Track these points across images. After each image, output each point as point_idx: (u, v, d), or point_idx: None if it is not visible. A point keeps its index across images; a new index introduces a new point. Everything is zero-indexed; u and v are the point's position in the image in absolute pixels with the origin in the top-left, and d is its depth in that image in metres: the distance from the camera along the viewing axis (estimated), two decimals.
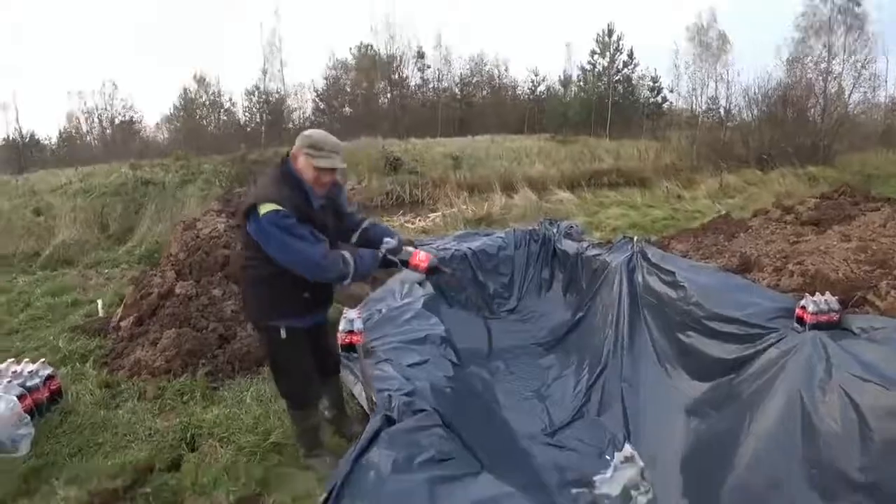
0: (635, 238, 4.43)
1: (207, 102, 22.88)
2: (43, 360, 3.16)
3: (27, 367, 3.05)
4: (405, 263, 2.39)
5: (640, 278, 4.02)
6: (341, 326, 3.11)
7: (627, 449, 3.29)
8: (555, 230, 5.86)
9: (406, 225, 8.25)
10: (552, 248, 5.72)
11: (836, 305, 2.51)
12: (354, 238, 2.51)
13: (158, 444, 2.51)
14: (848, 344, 2.36)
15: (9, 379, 2.91)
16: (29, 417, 2.79)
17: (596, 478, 3.13)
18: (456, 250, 5.75)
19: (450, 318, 5.18)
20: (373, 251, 2.34)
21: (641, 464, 3.12)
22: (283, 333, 2.24)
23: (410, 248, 2.52)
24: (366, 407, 2.44)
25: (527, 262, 5.77)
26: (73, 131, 22.26)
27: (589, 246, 5.07)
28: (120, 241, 8.09)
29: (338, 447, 2.25)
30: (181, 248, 4.19)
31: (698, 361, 3.16)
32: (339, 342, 3.03)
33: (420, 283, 4.37)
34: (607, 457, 3.28)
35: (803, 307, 2.53)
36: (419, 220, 8.28)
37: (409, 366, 2.95)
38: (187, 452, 2.45)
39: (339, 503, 1.77)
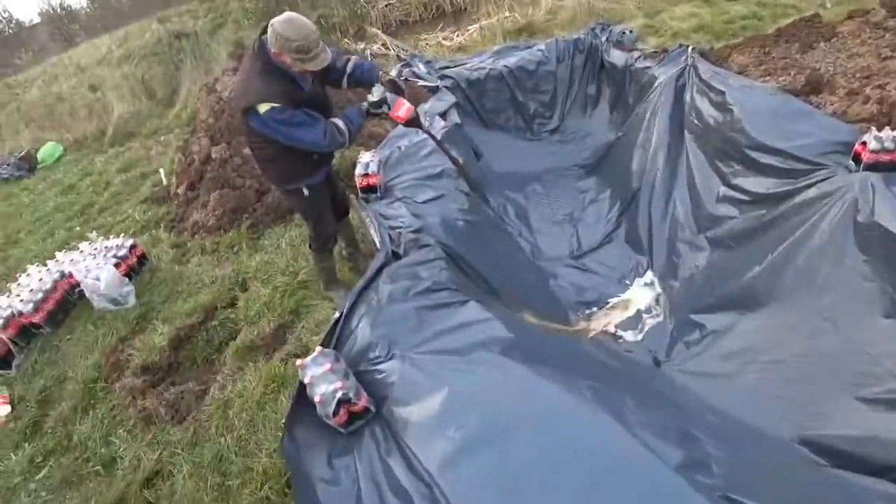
0: (689, 48, 3.90)
1: None
2: (123, 234, 3.92)
3: (115, 241, 3.85)
4: (387, 115, 2.51)
5: (688, 97, 3.68)
6: (357, 170, 3.37)
7: (649, 275, 3.51)
8: (604, 38, 5.28)
9: (443, 42, 7.75)
10: (600, 59, 5.24)
11: None
12: (344, 84, 2.63)
13: (219, 288, 3.26)
14: None
15: (104, 253, 3.73)
16: (127, 279, 3.65)
17: (611, 299, 3.45)
18: (491, 69, 5.50)
19: (488, 140, 5.26)
20: (357, 108, 2.53)
21: (659, 290, 3.35)
22: (305, 192, 2.62)
23: (394, 96, 2.59)
24: (377, 245, 2.84)
25: (570, 77, 5.42)
26: None
27: (640, 57, 4.59)
28: (169, 104, 8.68)
29: (351, 281, 2.74)
30: (209, 113, 4.52)
31: (733, 193, 3.06)
32: (357, 185, 3.35)
33: (442, 115, 4.38)
34: (627, 281, 3.55)
35: (864, 142, 2.21)
36: (457, 35, 7.71)
37: (422, 202, 3.20)
38: (239, 292, 3.17)
39: (345, 328, 2.25)
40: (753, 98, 3.01)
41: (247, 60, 2.34)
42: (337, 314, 2.29)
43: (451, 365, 1.91)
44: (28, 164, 8.06)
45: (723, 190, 3.18)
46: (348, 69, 2.59)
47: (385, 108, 2.54)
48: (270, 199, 3.81)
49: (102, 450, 2.52)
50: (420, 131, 2.74)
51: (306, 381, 1.84)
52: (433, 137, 2.93)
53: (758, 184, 2.82)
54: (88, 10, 21.29)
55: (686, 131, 3.68)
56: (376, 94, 2.52)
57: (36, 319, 3.50)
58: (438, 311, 2.20)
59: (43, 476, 2.52)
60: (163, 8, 14.92)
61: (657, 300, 3.37)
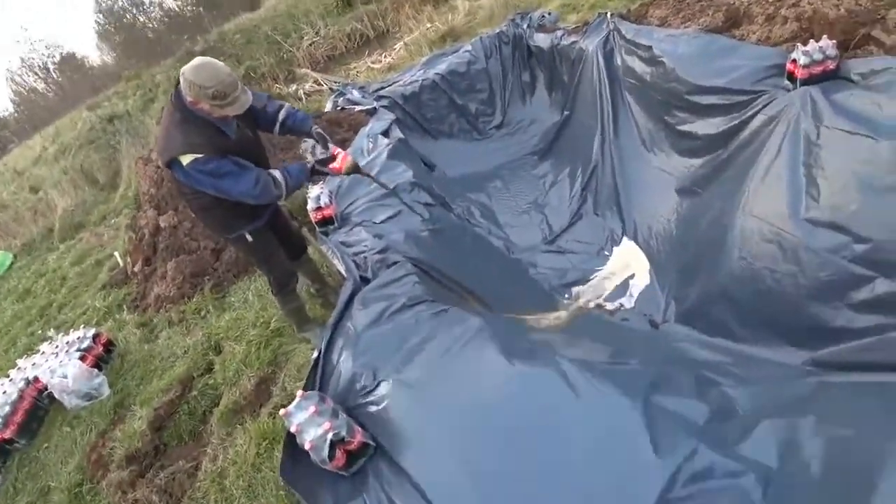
0: (608, 14, 3.95)
1: (126, 4, 20.82)
2: (84, 325, 3.71)
3: (76, 333, 3.64)
4: (328, 172, 2.47)
5: (618, 60, 3.71)
6: (309, 205, 3.27)
7: (625, 242, 3.47)
8: (526, 25, 5.34)
9: (372, 66, 7.76)
10: (526, 46, 5.29)
11: (832, 51, 2.14)
12: (276, 130, 2.55)
13: (192, 356, 3.08)
14: (842, 97, 2.08)
15: (66, 349, 3.51)
16: (97, 370, 3.43)
17: (594, 273, 3.40)
18: (424, 80, 5.49)
19: (437, 150, 5.23)
20: (301, 165, 2.43)
21: (640, 254, 3.31)
22: (248, 238, 2.49)
23: (333, 147, 2.56)
24: (344, 274, 2.73)
25: (503, 70, 5.45)
26: (23, 91, 21.64)
27: (563, 34, 4.63)
28: (113, 186, 8.43)
29: (325, 318, 2.62)
30: (150, 184, 4.36)
31: (685, 141, 3.05)
32: (313, 220, 3.24)
33: (384, 133, 4.32)
34: (606, 252, 3.50)
35: (793, 60, 2.21)
36: (384, 57, 7.72)
37: (380, 222, 3.11)
38: (214, 356, 3.01)
39: (327, 365, 2.12)
40: (680, 45, 3.03)
41: (165, 113, 2.23)
42: (316, 353, 2.16)
43: (443, 377, 1.80)
44: None
45: (675, 140, 3.18)
46: (280, 116, 2.51)
47: (328, 161, 2.49)
48: (228, 255, 3.67)
49: None
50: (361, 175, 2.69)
51: (293, 429, 1.70)
52: (371, 177, 2.88)
53: (706, 126, 2.83)
54: (16, 114, 20.91)
55: (625, 93, 3.70)
56: (320, 155, 2.49)
57: (7, 435, 3.25)
58: (420, 326, 2.08)
59: None
60: (91, 96, 14.71)
61: (641, 263, 3.33)
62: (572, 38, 4.41)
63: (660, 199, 3.30)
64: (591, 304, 3.23)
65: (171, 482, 2.44)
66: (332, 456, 1.66)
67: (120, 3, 21.13)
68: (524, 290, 3.37)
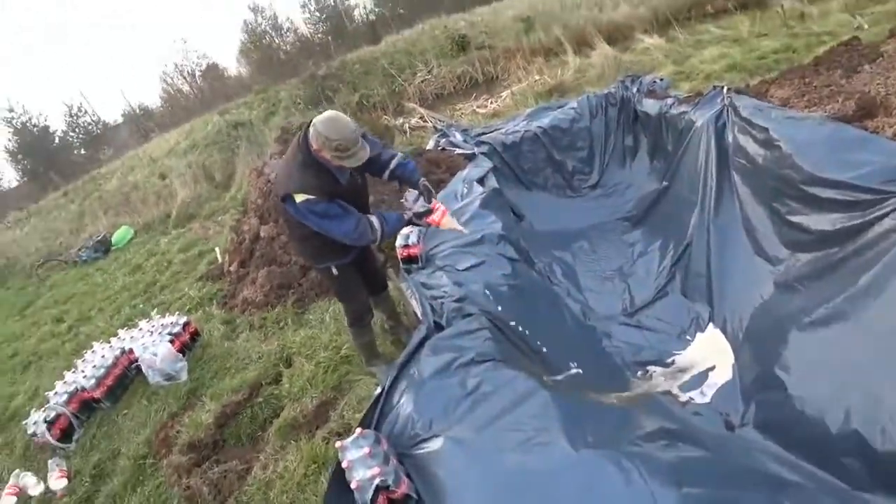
0: (725, 87, 3.82)
1: (267, 28, 23.36)
2: (179, 311, 4.09)
3: (170, 318, 4.02)
4: (425, 225, 2.70)
5: (730, 137, 3.54)
6: (398, 241, 3.40)
7: (711, 329, 3.24)
8: (635, 89, 5.28)
9: (477, 110, 8.04)
10: (633, 110, 5.22)
11: None
12: (385, 177, 2.75)
13: (265, 364, 3.27)
14: None
15: (160, 330, 3.89)
16: (181, 355, 3.75)
17: (672, 357, 3.19)
18: (526, 131, 5.57)
19: (529, 201, 5.24)
20: (399, 215, 2.65)
21: (725, 345, 3.07)
22: (334, 271, 2.66)
23: (435, 201, 2.73)
24: (420, 316, 2.78)
25: (606, 131, 5.40)
26: (171, 90, 24.76)
27: (674, 103, 4.52)
28: (225, 187, 9.34)
29: (394, 355, 2.68)
30: (258, 195, 4.78)
31: (794, 234, 2.82)
32: (399, 256, 3.36)
33: (480, 181, 4.42)
34: (688, 337, 3.28)
35: None
36: (490, 103, 7.98)
37: (463, 270, 3.15)
38: (284, 368, 3.16)
39: (387, 404, 2.16)
40: (802, 130, 2.83)
41: (290, 151, 2.48)
42: (378, 390, 2.21)
43: (497, 446, 1.76)
44: (104, 247, 8.75)
45: (783, 230, 2.96)
46: (392, 165, 2.70)
47: (426, 213, 2.68)
48: (314, 274, 3.90)
49: None
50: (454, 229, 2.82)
51: (345, 464, 1.74)
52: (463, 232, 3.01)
53: (821, 220, 2.59)
54: (162, 108, 23.91)
55: (734, 173, 3.51)
56: (418, 206, 2.69)
57: (97, 394, 3.62)
58: (483, 386, 2.07)
59: None
60: (223, 102, 16.52)
61: (723, 355, 3.07)
62: (682, 108, 4.29)
63: (756, 291, 3.03)
64: (662, 389, 3.03)
65: (222, 479, 2.57)
66: (374, 500, 1.68)
67: (262, 26, 23.73)
68: (595, 361, 3.23)
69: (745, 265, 3.19)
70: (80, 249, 8.91)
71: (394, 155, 2.71)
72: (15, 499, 3.03)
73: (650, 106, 4.91)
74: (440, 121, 7.56)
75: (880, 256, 2.14)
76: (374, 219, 2.48)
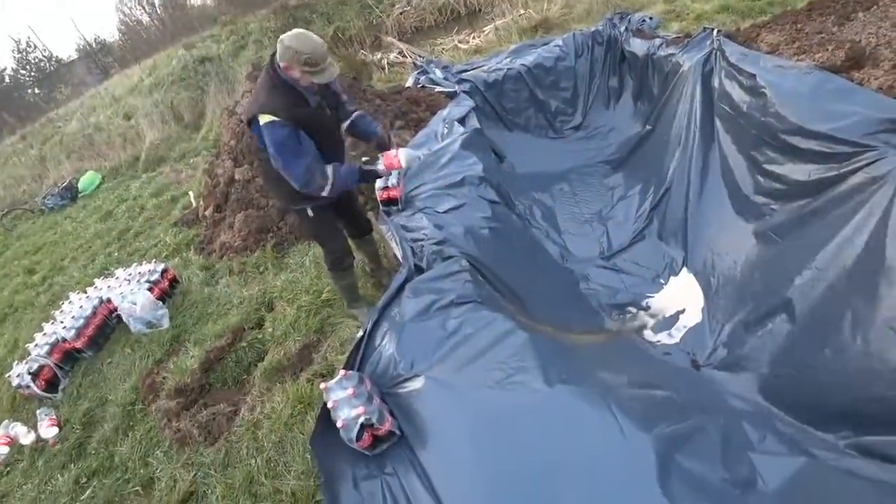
0: (714, 30, 3.71)
1: None
2: (156, 258, 4.04)
3: (148, 266, 3.98)
4: (377, 174, 2.65)
5: (716, 83, 3.49)
6: (378, 183, 3.36)
7: (684, 273, 3.35)
8: (623, 28, 5.11)
9: (459, 46, 7.71)
10: (620, 50, 5.08)
11: None
12: (343, 127, 2.69)
13: (246, 308, 3.30)
14: None
15: (137, 278, 3.85)
16: (161, 302, 3.75)
17: (646, 300, 3.31)
18: (509, 69, 5.42)
19: (510, 142, 5.18)
20: (351, 166, 2.57)
21: (697, 289, 3.18)
22: (309, 213, 2.62)
23: (392, 151, 2.67)
24: (400, 259, 2.81)
25: (591, 71, 5.28)
26: (129, 21, 23.02)
27: (662, 44, 4.40)
28: (196, 127, 8.97)
29: (376, 298, 2.72)
30: (230, 136, 4.61)
31: (771, 183, 2.85)
32: (378, 198, 3.33)
33: (461, 120, 4.33)
34: (662, 281, 3.39)
35: None
36: (473, 38, 7.66)
37: (443, 212, 3.15)
38: (266, 313, 3.21)
39: (369, 346, 2.22)
40: (788, 79, 2.81)
41: (259, 79, 2.38)
42: (361, 332, 2.27)
43: (476, 385, 1.85)
44: (70, 194, 8.47)
45: (760, 179, 3.00)
46: (352, 116, 2.67)
47: (379, 165, 2.65)
48: (293, 218, 3.86)
49: (141, 470, 2.59)
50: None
51: (329, 404, 1.81)
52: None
53: (797, 171, 2.63)
54: (121, 42, 22.34)
55: (717, 119, 3.50)
56: (373, 166, 2.67)
57: (78, 345, 3.63)
58: (464, 327, 2.13)
59: (87, 497, 2.60)
60: (188, 35, 15.49)
61: (694, 299, 3.22)
62: (670, 50, 4.20)
63: (730, 238, 3.12)
64: (635, 330, 3.18)
65: (211, 421, 2.66)
66: (359, 437, 1.77)
67: None
68: (571, 303, 3.34)
69: (722, 212, 3.26)
70: (45, 197, 8.61)
71: (358, 108, 2.69)
72: (7, 448, 3.10)
73: (638, 46, 4.78)
74: (420, 56, 7.26)
75: (852, 209, 2.19)
76: (328, 169, 2.40)
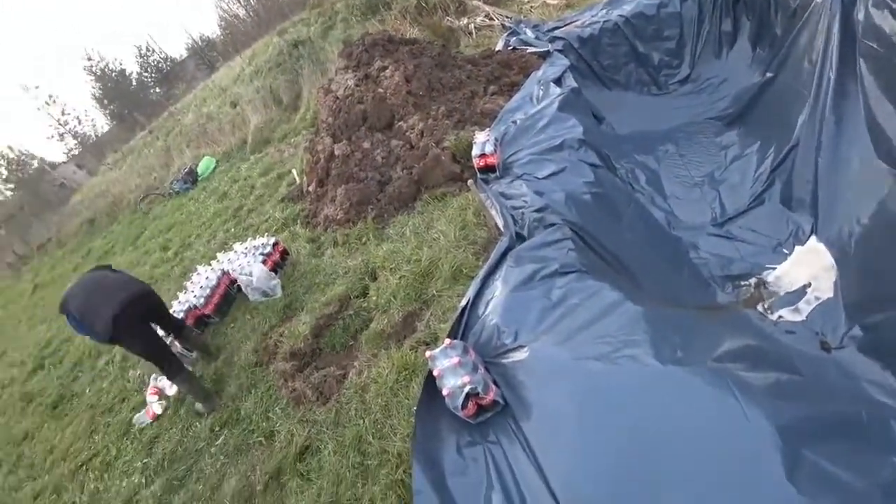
0: None
1: None
2: (267, 232, 4.35)
3: (261, 239, 4.31)
4: None
5: (860, 14, 2.93)
6: (474, 151, 3.32)
7: (813, 242, 2.93)
8: None
9: (548, 2, 7.29)
10: None
11: None
12: None
13: (351, 278, 3.47)
14: None
15: (252, 252, 4.19)
16: (274, 273, 4.06)
17: (766, 272, 2.96)
18: (605, 22, 5.06)
19: (610, 102, 4.86)
20: None
21: (829, 260, 2.78)
22: None
23: None
24: (501, 227, 2.76)
25: (699, 15, 4.75)
26: (228, 16, 24.69)
27: None
28: (294, 109, 9.45)
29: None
30: (328, 113, 4.78)
31: None
32: (475, 166, 3.29)
33: (556, 81, 4.12)
34: (785, 250, 3.02)
35: None
36: None
37: (544, 178, 3.04)
38: (370, 282, 3.35)
39: (472, 315, 2.23)
40: None
41: None
42: (464, 302, 2.27)
43: (583, 357, 1.78)
44: (192, 178, 9.42)
45: None
46: None
47: None
48: (391, 189, 3.95)
49: (263, 424, 2.86)
50: None
51: (435, 373, 1.85)
52: None
53: None
54: (222, 36, 24.06)
55: (860, 60, 2.96)
56: None
57: (207, 311, 4.06)
58: (569, 298, 2.06)
59: (220, 443, 2.96)
60: (280, 21, 16.26)
61: (826, 271, 2.81)
62: None
63: (871, 203, 2.62)
64: (752, 305, 2.86)
65: (322, 383, 2.85)
66: (464, 405, 1.79)
67: None
68: (680, 274, 3.10)
69: (864, 172, 2.73)
70: (172, 182, 9.67)
71: None
72: (157, 397, 3.58)
73: None
74: (508, 17, 6.98)
75: None
76: None
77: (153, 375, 3.75)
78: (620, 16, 4.95)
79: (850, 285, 2.61)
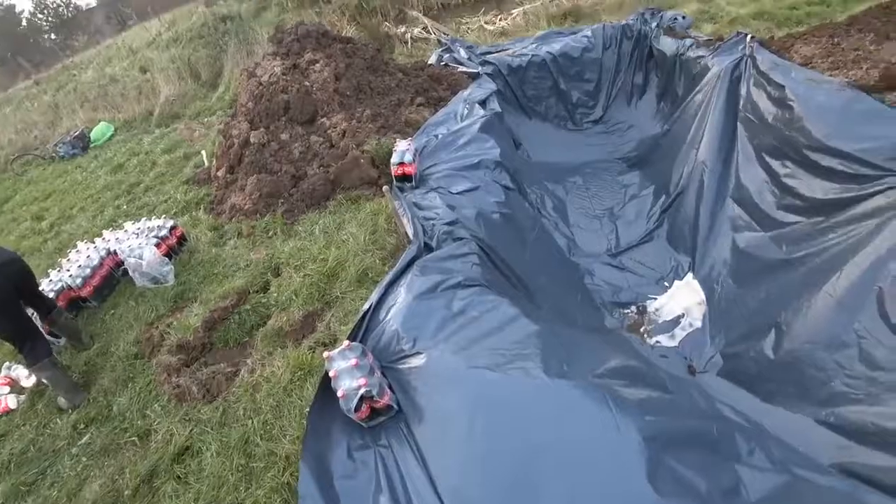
0: (748, 36, 3.66)
1: None
2: (165, 214, 4.04)
3: (157, 221, 3.99)
4: None
5: (743, 90, 3.45)
6: (393, 158, 3.35)
7: (689, 278, 3.35)
8: (654, 24, 5.04)
9: (485, 26, 7.60)
10: (648, 47, 5.02)
11: None
12: None
13: (252, 272, 3.32)
14: None
15: (146, 233, 3.87)
16: (167, 259, 3.77)
17: (649, 301, 3.32)
18: (534, 55, 5.37)
19: (528, 130, 5.16)
20: None
21: (701, 297, 3.19)
22: None
23: None
24: (410, 236, 2.81)
25: (617, 66, 5.23)
26: None
27: (692, 45, 4.34)
28: (213, 86, 8.90)
29: None
30: (249, 97, 4.58)
31: (787, 197, 2.84)
32: (392, 173, 3.32)
33: (482, 103, 4.29)
34: (666, 283, 3.40)
35: None
36: (500, 20, 7.54)
37: (457, 193, 3.15)
38: (272, 278, 3.24)
39: (374, 319, 2.24)
40: (818, 94, 2.78)
41: None
42: (367, 305, 2.28)
43: (477, 366, 1.87)
44: (82, 143, 8.45)
45: (777, 193, 2.99)
46: None
47: None
48: (306, 185, 3.85)
49: (139, 422, 2.63)
50: None
51: (331, 374, 1.84)
52: None
53: (817, 187, 2.62)
54: None
55: (740, 126, 3.47)
56: None
57: (84, 293, 3.67)
58: (469, 310, 2.15)
59: (84, 442, 2.66)
60: None
61: (697, 305, 3.23)
62: (700, 52, 4.14)
63: (738, 247, 3.13)
64: (633, 330, 3.20)
65: (210, 379, 2.69)
66: (358, 407, 1.79)
67: None
68: (575, 297, 3.36)
69: (734, 221, 3.25)
70: (56, 144, 8.60)
71: None
72: (8, 388, 3.14)
73: (668, 45, 4.71)
74: (445, 34, 7.16)
75: (860, 242, 2.20)
76: None
77: (5, 364, 3.30)
78: (549, 52, 5.30)
79: (716, 319, 3.01)
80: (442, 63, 5.52)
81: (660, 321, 3.25)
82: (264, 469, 2.12)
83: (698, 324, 3.12)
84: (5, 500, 2.50)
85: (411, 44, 7.23)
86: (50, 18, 24.79)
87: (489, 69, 5.14)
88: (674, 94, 4.53)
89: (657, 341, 3.13)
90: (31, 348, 2.89)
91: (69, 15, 24.55)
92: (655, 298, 3.38)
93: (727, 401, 2.45)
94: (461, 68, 5.19)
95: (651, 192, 4.09)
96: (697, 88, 3.99)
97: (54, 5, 24.68)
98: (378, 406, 1.83)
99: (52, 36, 24.36)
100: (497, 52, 5.64)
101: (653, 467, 1.57)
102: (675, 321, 3.21)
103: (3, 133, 10.59)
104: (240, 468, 2.17)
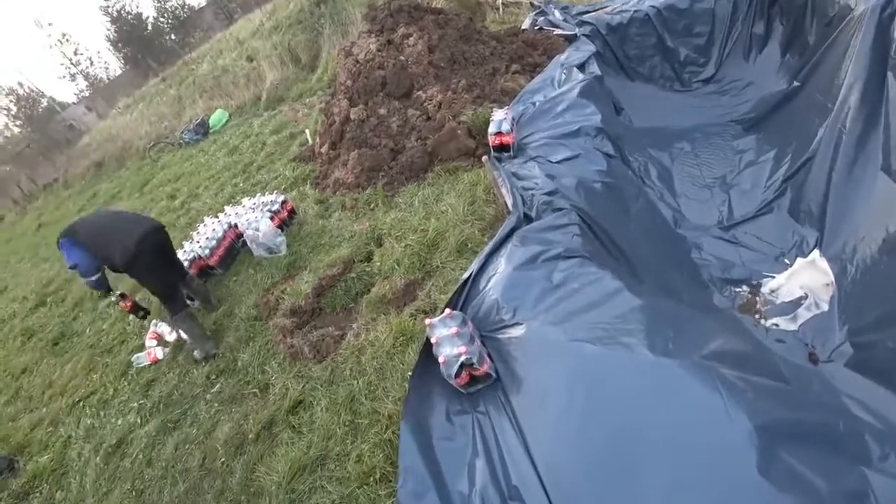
0: None
1: None
2: (276, 190, 4.38)
3: (270, 196, 4.34)
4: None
5: None
6: (490, 128, 3.33)
7: (815, 255, 2.96)
8: None
9: None
10: None
11: None
12: None
13: (356, 242, 3.52)
14: None
15: (261, 207, 4.22)
16: (280, 230, 4.10)
17: (765, 280, 3.00)
18: (636, 11, 5.00)
19: (630, 93, 4.83)
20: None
21: (829, 277, 2.81)
22: None
23: None
24: (509, 206, 2.79)
25: (733, 15, 4.69)
26: None
27: None
28: (312, 68, 9.37)
29: None
30: (347, 76, 4.75)
31: None
32: (490, 144, 3.30)
33: (580, 66, 4.09)
34: (787, 261, 3.05)
35: None
36: None
37: (557, 162, 3.05)
38: (375, 248, 3.41)
39: (473, 289, 2.27)
40: None
41: None
42: (466, 274, 2.32)
43: (578, 339, 1.83)
44: (203, 129, 9.38)
45: None
46: None
47: None
48: (404, 158, 3.96)
49: (259, 376, 2.95)
50: None
51: (433, 340, 1.90)
52: None
53: None
54: None
55: (890, 77, 2.94)
56: None
57: (212, 262, 4.12)
58: (569, 282, 2.10)
59: (216, 390, 3.05)
60: None
61: (824, 286, 2.84)
62: None
63: (879, 222, 2.64)
64: (746, 311, 2.91)
65: (320, 341, 2.92)
66: (458, 374, 1.85)
67: None
68: (680, 272, 3.14)
69: (876, 192, 2.75)
70: (182, 132, 9.63)
71: None
72: (156, 342, 3.67)
73: None
74: None
75: None
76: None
77: (154, 321, 3.82)
78: (652, 6, 4.88)
79: (848, 303, 2.65)
80: (536, 27, 5.30)
81: (777, 301, 2.93)
82: (368, 425, 2.28)
83: (825, 306, 2.76)
84: (157, 433, 2.94)
85: (503, 9, 7.03)
86: (170, 20, 27.45)
87: (587, 30, 4.85)
88: (803, 42, 3.97)
89: (774, 324, 2.83)
90: (173, 302, 3.36)
91: (185, 15, 27.03)
92: (773, 277, 3.04)
93: (856, 396, 2.14)
94: (557, 31, 4.96)
95: (771, 157, 3.67)
96: (835, 34, 3.45)
97: (172, 8, 27.25)
98: (478, 374, 1.87)
99: (172, 36, 27.00)
100: (595, 10, 5.30)
101: (765, 459, 1.44)
102: (797, 302, 2.87)
103: (141, 126, 12.07)
104: (346, 423, 2.36)
